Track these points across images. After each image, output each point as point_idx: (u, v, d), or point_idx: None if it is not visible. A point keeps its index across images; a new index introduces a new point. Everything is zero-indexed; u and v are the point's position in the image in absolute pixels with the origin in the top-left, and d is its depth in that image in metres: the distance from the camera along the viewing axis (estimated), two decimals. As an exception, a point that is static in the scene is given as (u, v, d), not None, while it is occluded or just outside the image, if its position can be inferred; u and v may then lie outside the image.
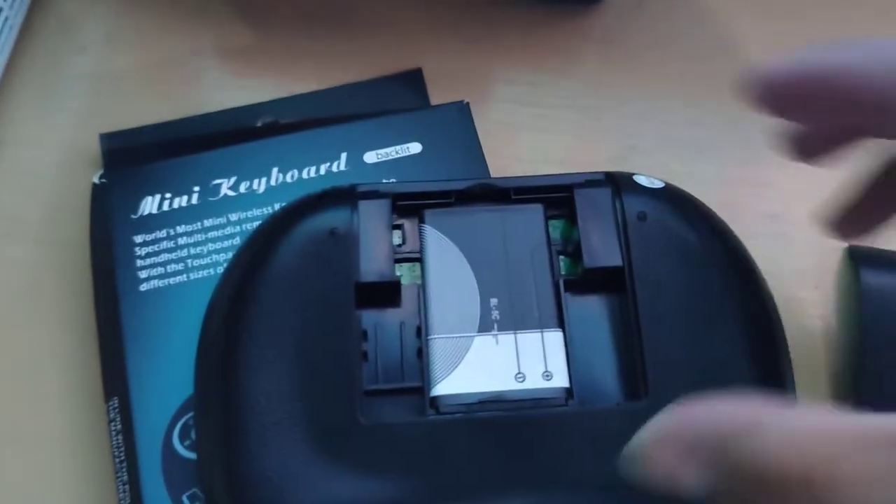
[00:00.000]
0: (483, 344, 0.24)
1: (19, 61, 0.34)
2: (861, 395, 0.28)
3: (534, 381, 0.24)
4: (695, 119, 0.33)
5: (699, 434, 0.18)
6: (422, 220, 0.26)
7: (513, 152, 0.32)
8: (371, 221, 0.25)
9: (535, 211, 0.26)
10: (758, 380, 0.24)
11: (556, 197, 0.26)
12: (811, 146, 0.24)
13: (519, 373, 0.24)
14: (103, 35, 0.35)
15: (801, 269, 0.30)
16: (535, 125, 0.33)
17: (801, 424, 0.17)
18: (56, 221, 0.31)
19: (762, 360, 0.24)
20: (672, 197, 0.26)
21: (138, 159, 0.29)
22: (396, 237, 0.26)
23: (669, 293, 0.25)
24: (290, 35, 0.34)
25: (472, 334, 0.24)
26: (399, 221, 0.26)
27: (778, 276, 0.26)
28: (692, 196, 0.26)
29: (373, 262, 0.25)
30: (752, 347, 0.24)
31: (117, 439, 0.25)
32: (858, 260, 0.30)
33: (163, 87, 0.33)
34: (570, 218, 0.26)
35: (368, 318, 0.25)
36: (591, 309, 0.25)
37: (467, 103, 0.30)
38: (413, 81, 0.33)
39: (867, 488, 0.16)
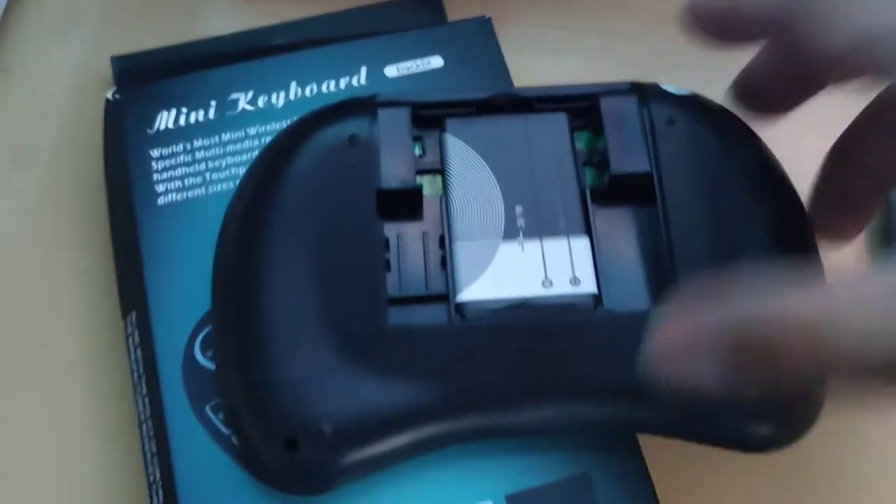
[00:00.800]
0: (508, 250, 0.24)
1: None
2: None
3: (561, 287, 0.23)
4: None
5: (711, 330, 0.18)
6: (443, 130, 0.25)
7: (532, 74, 0.31)
8: (391, 129, 0.25)
9: (560, 120, 0.26)
10: None
11: (581, 107, 0.26)
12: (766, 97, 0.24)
13: (546, 279, 0.23)
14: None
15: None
16: (555, 48, 0.32)
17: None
18: (67, 146, 0.31)
19: (793, 264, 0.23)
20: (700, 104, 0.26)
21: (152, 77, 0.29)
22: (417, 149, 0.25)
23: (699, 199, 0.24)
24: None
25: (497, 241, 0.24)
26: (419, 133, 0.26)
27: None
28: (719, 104, 0.26)
29: (394, 169, 0.24)
30: (784, 251, 0.24)
31: (136, 353, 0.25)
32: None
33: (173, 13, 0.33)
34: (595, 129, 0.26)
35: (391, 229, 0.25)
36: (618, 219, 0.25)
37: (489, 18, 0.30)
38: (431, 1, 0.32)
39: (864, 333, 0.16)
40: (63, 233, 0.29)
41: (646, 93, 0.26)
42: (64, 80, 0.32)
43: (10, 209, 0.30)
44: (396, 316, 0.23)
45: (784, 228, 0.24)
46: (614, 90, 0.26)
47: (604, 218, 0.25)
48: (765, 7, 0.23)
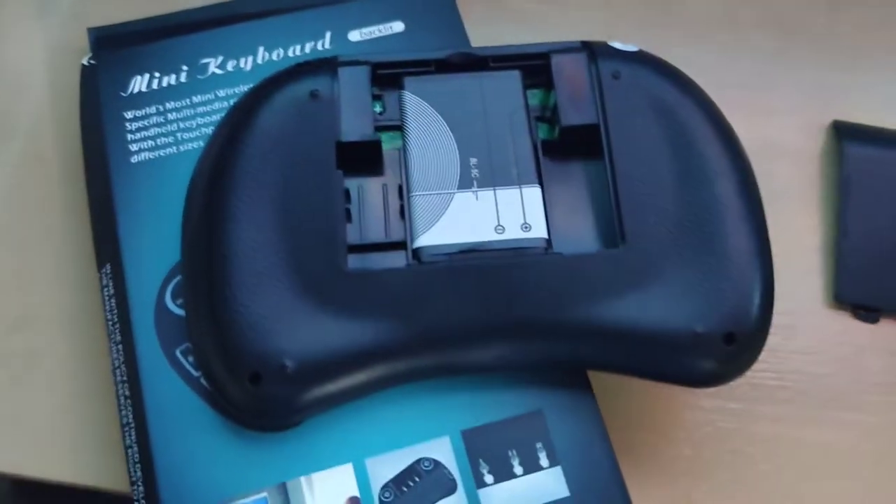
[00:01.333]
0: (463, 200, 0.25)
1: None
2: (842, 254, 0.29)
3: (513, 233, 0.24)
4: (681, 24, 0.34)
5: None
6: (401, 88, 0.26)
7: (492, 37, 0.32)
8: (351, 86, 0.26)
9: (513, 77, 0.27)
10: (731, 230, 0.24)
11: (534, 65, 0.27)
12: None
13: (499, 225, 0.25)
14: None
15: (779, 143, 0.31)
16: (515, 19, 0.34)
17: None
18: (46, 114, 0.32)
19: (736, 210, 0.25)
20: (646, 58, 0.27)
21: (126, 45, 0.30)
22: (378, 107, 0.27)
23: (644, 148, 0.25)
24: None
25: (452, 191, 0.25)
26: (379, 92, 0.27)
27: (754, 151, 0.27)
28: (665, 60, 0.27)
29: (354, 124, 0.26)
30: (726, 197, 0.25)
31: (110, 303, 0.26)
32: (843, 133, 0.31)
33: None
34: (547, 86, 0.27)
35: (352, 183, 0.26)
36: (568, 171, 0.26)
37: (450, -14, 0.31)
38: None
39: None
40: (42, 195, 0.30)
41: (594, 50, 0.27)
42: (42, 52, 0.33)
43: (-5, 175, 0.31)
44: (356, 262, 0.24)
45: (726, 176, 0.25)
46: (565, 48, 0.27)
47: (555, 170, 0.26)
48: None
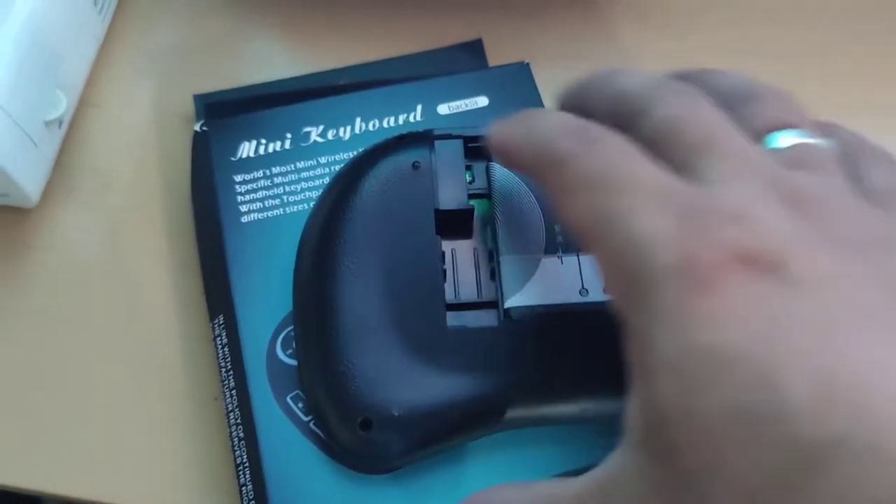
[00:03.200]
0: (549, 264, 0.27)
1: (115, 32, 0.37)
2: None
3: (596, 295, 0.27)
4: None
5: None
6: (490, 159, 0.29)
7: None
8: (447, 158, 0.29)
9: None
10: None
11: None
12: None
13: (583, 288, 0.27)
14: (187, 9, 0.38)
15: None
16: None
17: None
18: (151, 172, 0.34)
19: None
20: None
21: (233, 113, 0.33)
22: (468, 176, 0.29)
23: None
24: (352, 12, 0.38)
25: (539, 255, 0.27)
26: (469, 163, 0.29)
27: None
28: None
29: (450, 192, 0.28)
30: None
31: (223, 351, 0.29)
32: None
33: (241, 56, 0.37)
34: None
35: (447, 245, 0.28)
36: None
37: (527, 63, 0.33)
38: (474, 50, 0.36)
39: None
40: (147, 248, 0.33)
41: None
42: (148, 114, 0.35)
43: (99, 226, 0.33)
44: (453, 319, 0.27)
45: None
46: None
47: None
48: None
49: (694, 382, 0.17)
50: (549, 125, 0.22)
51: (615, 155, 0.21)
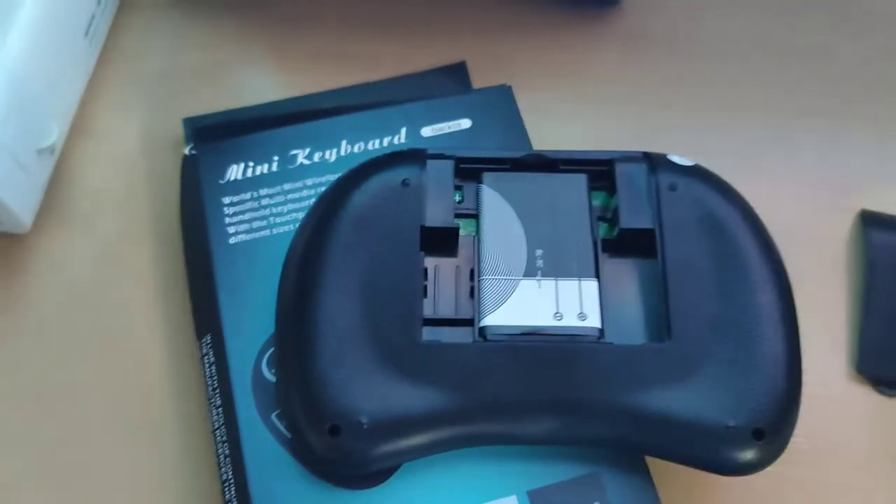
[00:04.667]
0: (527, 286, 0.28)
1: (106, 61, 0.38)
2: (865, 330, 0.32)
3: (570, 320, 0.27)
4: (713, 113, 0.37)
5: None
6: (480, 181, 0.30)
7: (548, 135, 0.35)
8: (437, 177, 0.29)
9: (580, 179, 0.30)
10: (766, 336, 0.27)
11: (599, 170, 0.30)
12: None
13: (557, 312, 0.28)
14: (176, 37, 0.39)
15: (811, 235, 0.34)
16: (569, 112, 0.37)
17: None
18: (141, 196, 0.35)
19: (771, 318, 0.27)
20: (701, 173, 0.30)
21: (221, 136, 0.33)
22: (457, 196, 0.30)
23: (694, 255, 0.28)
24: (337, 37, 0.39)
25: (518, 278, 0.28)
26: (460, 183, 0.30)
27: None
28: (717, 174, 0.30)
29: (437, 211, 0.29)
30: (763, 306, 0.27)
31: (210, 370, 0.29)
32: (868, 221, 0.33)
33: (229, 82, 0.37)
34: (610, 189, 0.30)
35: (430, 261, 0.29)
36: (623, 267, 0.29)
37: (510, 86, 0.34)
38: (458, 73, 0.37)
39: None
40: (137, 271, 0.33)
41: (654, 161, 0.30)
42: (138, 140, 0.36)
43: (91, 252, 0.34)
44: (429, 334, 0.28)
45: (765, 286, 0.28)
46: (628, 157, 0.30)
47: (611, 266, 0.29)
48: None
49: None
50: None
51: None
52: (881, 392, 0.32)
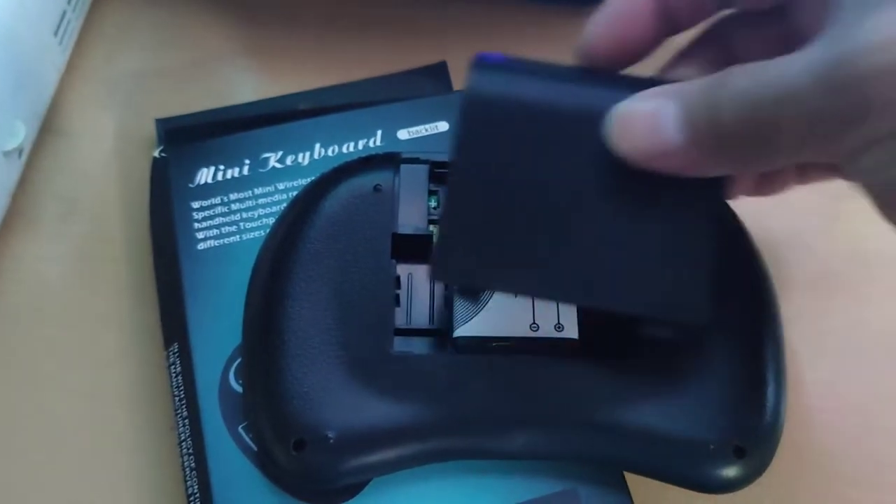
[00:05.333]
0: (503, 296, 0.27)
1: (78, 60, 0.37)
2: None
3: (546, 331, 0.27)
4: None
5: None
6: None
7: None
8: (411, 182, 0.29)
9: None
10: (748, 354, 0.26)
11: None
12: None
13: (533, 323, 0.27)
14: (151, 36, 0.38)
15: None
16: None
17: None
18: (112, 199, 0.34)
19: (754, 337, 0.26)
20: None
21: (193, 138, 0.32)
22: (433, 201, 0.29)
23: None
24: (316, 37, 0.38)
25: (493, 287, 0.27)
26: (435, 188, 0.29)
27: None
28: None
29: (410, 217, 0.28)
30: (747, 325, 0.27)
31: (177, 380, 0.28)
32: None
33: (205, 83, 0.37)
34: None
35: (403, 269, 0.28)
36: None
37: (490, 88, 0.33)
38: (438, 73, 0.36)
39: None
40: (107, 276, 0.32)
41: None
42: (110, 141, 0.35)
43: (60, 255, 0.33)
44: (400, 344, 0.27)
45: (751, 306, 0.27)
46: None
47: None
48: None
49: None
50: None
51: None
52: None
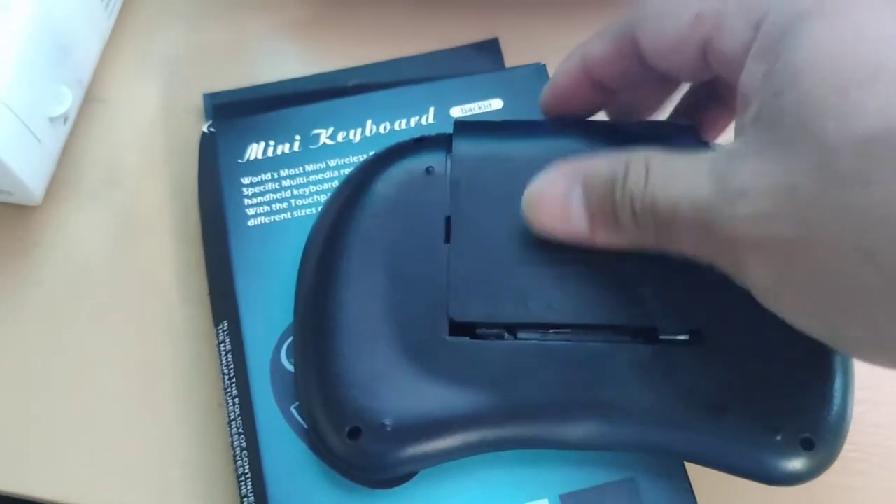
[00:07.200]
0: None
1: (122, 29, 0.37)
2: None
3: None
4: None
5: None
6: None
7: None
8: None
9: None
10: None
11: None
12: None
13: None
14: (197, 8, 0.37)
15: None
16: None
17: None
18: (156, 170, 0.34)
19: None
20: None
21: (242, 113, 0.32)
22: None
23: None
24: (367, 12, 0.37)
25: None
26: None
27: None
28: None
29: None
30: None
31: (227, 358, 0.28)
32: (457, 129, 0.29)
33: (250, 57, 0.36)
34: None
35: None
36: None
37: (544, 65, 0.33)
38: (490, 50, 0.35)
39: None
40: (153, 247, 0.32)
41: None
42: (156, 111, 0.35)
43: (105, 223, 0.33)
44: (454, 331, 0.26)
45: None
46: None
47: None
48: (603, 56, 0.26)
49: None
50: None
51: None
52: None
